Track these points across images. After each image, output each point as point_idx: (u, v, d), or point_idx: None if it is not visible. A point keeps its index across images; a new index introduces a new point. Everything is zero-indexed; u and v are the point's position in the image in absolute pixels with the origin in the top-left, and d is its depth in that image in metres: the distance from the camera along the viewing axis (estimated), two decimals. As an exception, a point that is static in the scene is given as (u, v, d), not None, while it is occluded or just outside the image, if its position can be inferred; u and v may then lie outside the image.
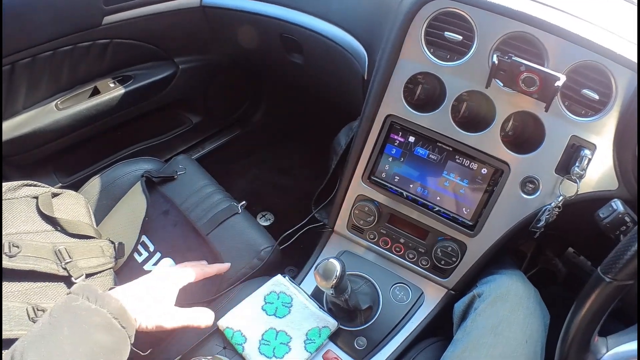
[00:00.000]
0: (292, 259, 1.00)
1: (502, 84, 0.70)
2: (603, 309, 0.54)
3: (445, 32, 0.73)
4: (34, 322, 0.71)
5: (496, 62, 0.67)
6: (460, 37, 0.72)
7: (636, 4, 0.80)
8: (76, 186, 1.01)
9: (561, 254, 1.06)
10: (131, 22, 1.10)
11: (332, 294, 0.70)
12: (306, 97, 1.58)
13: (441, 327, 0.84)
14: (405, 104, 0.78)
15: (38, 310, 0.72)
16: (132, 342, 0.61)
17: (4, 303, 0.70)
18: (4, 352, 0.53)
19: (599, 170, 0.70)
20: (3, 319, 0.67)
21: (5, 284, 0.73)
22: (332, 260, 0.67)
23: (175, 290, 0.73)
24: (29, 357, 0.51)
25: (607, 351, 0.57)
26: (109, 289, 0.83)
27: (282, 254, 0.95)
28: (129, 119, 1.26)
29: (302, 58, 1.15)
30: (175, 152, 1.46)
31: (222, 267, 0.86)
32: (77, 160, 1.26)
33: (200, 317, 0.73)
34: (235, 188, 1.05)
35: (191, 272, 0.78)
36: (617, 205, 0.64)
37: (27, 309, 0.71)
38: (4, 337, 0.65)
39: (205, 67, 1.34)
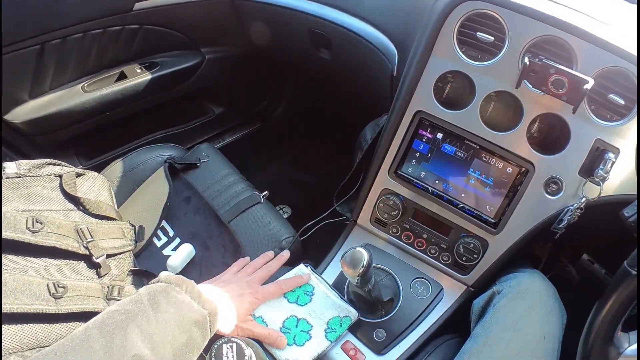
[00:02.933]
0: (308, 252, 1.00)
1: (531, 86, 0.71)
2: (628, 301, 0.55)
3: (478, 33, 0.74)
4: (55, 298, 0.70)
5: (527, 63, 0.68)
6: (492, 38, 0.73)
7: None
8: (97, 169, 1.00)
9: (576, 260, 1.06)
10: (162, 9, 1.10)
11: (357, 283, 0.69)
12: (329, 93, 1.57)
13: (458, 325, 0.84)
14: (435, 101, 0.79)
15: (59, 286, 0.72)
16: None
17: (24, 277, 0.69)
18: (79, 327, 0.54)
19: (622, 174, 0.71)
20: (23, 292, 0.67)
21: (25, 260, 0.73)
22: (359, 249, 0.66)
23: (255, 307, 0.76)
24: (132, 332, 0.52)
25: (630, 345, 0.58)
26: (129, 270, 0.84)
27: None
28: (153, 106, 1.26)
29: (329, 53, 1.15)
30: (196, 141, 1.45)
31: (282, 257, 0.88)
32: (99, 144, 1.26)
33: (273, 340, 0.74)
34: (253, 181, 1.05)
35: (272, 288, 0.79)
36: None
37: (47, 285, 0.70)
38: (23, 310, 0.65)
39: (231, 58, 1.35)
